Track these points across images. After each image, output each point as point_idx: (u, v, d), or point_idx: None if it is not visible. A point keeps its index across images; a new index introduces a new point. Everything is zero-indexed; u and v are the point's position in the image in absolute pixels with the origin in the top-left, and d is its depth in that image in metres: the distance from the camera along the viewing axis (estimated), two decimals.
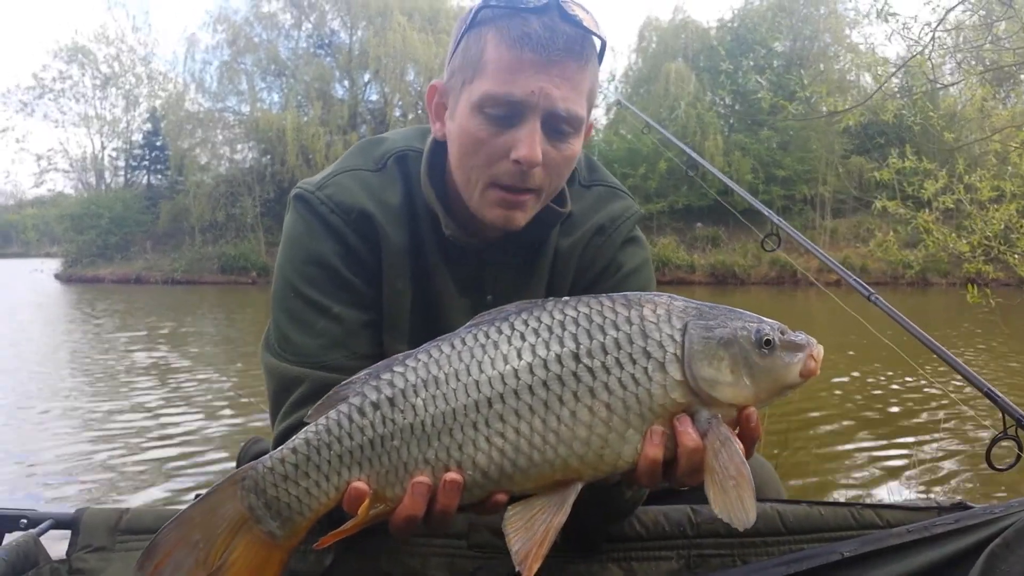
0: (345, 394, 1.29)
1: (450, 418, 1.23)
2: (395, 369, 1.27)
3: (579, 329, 1.24)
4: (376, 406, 1.25)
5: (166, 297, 31.04)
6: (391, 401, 1.25)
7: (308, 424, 1.30)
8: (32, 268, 51.68)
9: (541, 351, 1.23)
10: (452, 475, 1.22)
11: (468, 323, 1.31)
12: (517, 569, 1.18)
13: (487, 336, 1.26)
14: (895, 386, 10.40)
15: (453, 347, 1.26)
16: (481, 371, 1.23)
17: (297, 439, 1.29)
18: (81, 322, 20.37)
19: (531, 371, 1.22)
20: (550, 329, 1.25)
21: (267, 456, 1.30)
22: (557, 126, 1.53)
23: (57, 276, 45.90)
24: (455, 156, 1.61)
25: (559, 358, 1.22)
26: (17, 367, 12.11)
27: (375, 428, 1.25)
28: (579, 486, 1.25)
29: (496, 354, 1.24)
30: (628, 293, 1.31)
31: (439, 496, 1.23)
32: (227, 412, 8.81)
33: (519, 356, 1.23)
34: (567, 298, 1.30)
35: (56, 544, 1.70)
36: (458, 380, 1.23)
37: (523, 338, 1.24)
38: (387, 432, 1.24)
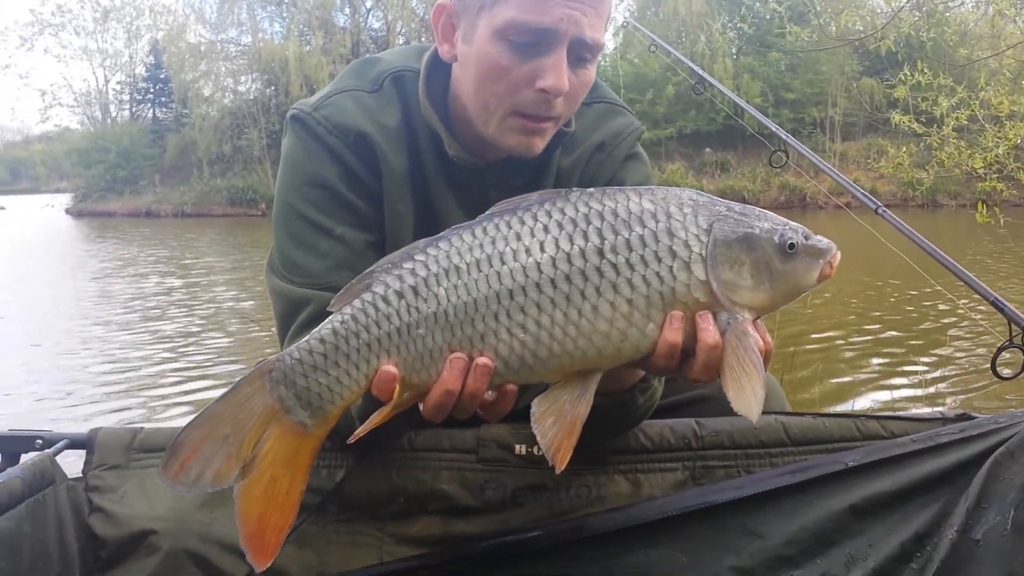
0: (368, 283, 1.28)
1: (472, 308, 1.23)
2: (416, 258, 1.26)
3: (604, 224, 1.23)
4: (400, 295, 1.25)
5: (177, 229, 31.06)
6: (415, 290, 1.24)
7: (332, 314, 1.30)
8: (43, 204, 51.76)
9: (565, 244, 1.22)
10: (483, 359, 1.23)
11: (489, 211, 1.29)
12: (550, 463, 1.20)
13: (509, 226, 1.25)
14: (903, 303, 10.40)
15: (475, 236, 1.25)
16: (503, 263, 1.22)
17: (324, 329, 1.28)
18: (95, 254, 20.44)
19: (554, 264, 1.21)
20: (574, 222, 1.23)
21: (294, 347, 1.29)
22: (581, 53, 1.51)
23: (68, 211, 46.03)
24: (471, 82, 1.57)
25: (583, 252, 1.21)
26: (33, 299, 12.20)
27: (400, 316, 1.25)
28: (599, 375, 1.26)
29: (519, 246, 1.23)
30: (654, 187, 1.30)
31: (468, 379, 1.24)
32: (239, 337, 8.88)
33: (542, 249, 1.22)
34: (592, 190, 1.28)
35: (72, 464, 1.72)
36: (479, 271, 1.23)
37: (547, 230, 1.23)
38: (412, 320, 1.24)
